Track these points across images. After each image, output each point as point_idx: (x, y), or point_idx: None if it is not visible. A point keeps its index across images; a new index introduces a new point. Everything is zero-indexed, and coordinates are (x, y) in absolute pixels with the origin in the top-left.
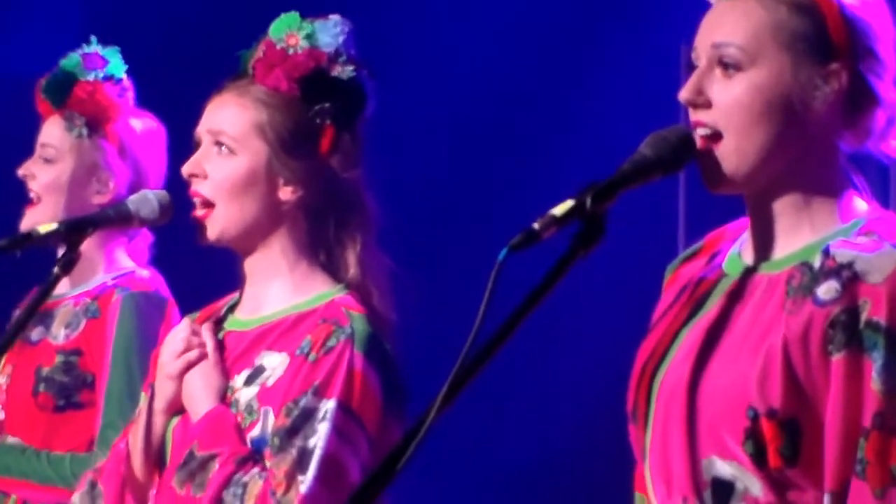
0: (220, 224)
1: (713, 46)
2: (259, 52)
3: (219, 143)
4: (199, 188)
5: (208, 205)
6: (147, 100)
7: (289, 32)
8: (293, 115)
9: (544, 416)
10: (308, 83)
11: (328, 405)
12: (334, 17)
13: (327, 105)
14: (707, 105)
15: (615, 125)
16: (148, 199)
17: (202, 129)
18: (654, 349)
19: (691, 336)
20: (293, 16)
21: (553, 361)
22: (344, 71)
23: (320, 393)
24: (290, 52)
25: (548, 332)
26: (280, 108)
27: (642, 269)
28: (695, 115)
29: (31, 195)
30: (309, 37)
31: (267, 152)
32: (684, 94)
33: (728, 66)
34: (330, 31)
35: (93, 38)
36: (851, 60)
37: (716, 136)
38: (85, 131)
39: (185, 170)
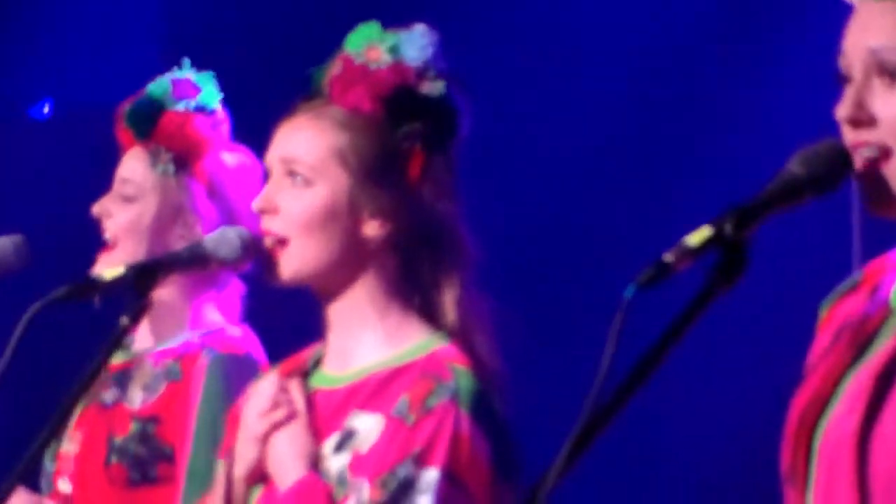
0: (295, 262)
1: (871, 52)
2: (335, 68)
3: (292, 173)
4: (271, 225)
5: (282, 242)
6: (241, 133)
7: (369, 45)
8: (377, 138)
9: (687, 470)
10: (393, 102)
11: (430, 475)
12: (420, 27)
13: (416, 126)
14: (872, 122)
15: (766, 138)
16: (228, 238)
17: (273, 158)
18: (812, 398)
19: (858, 381)
20: (373, 26)
21: (691, 409)
22: (433, 87)
23: (421, 461)
24: (372, 67)
25: (688, 382)
26: (362, 130)
27: (805, 306)
28: (856, 135)
29: (107, 237)
30: (392, 50)
31: (348, 181)
32: (844, 112)
33: (891, 75)
34: (416, 43)
35: (185, 62)
36: None
37: (884, 155)
38: (171, 168)
39: (255, 205)
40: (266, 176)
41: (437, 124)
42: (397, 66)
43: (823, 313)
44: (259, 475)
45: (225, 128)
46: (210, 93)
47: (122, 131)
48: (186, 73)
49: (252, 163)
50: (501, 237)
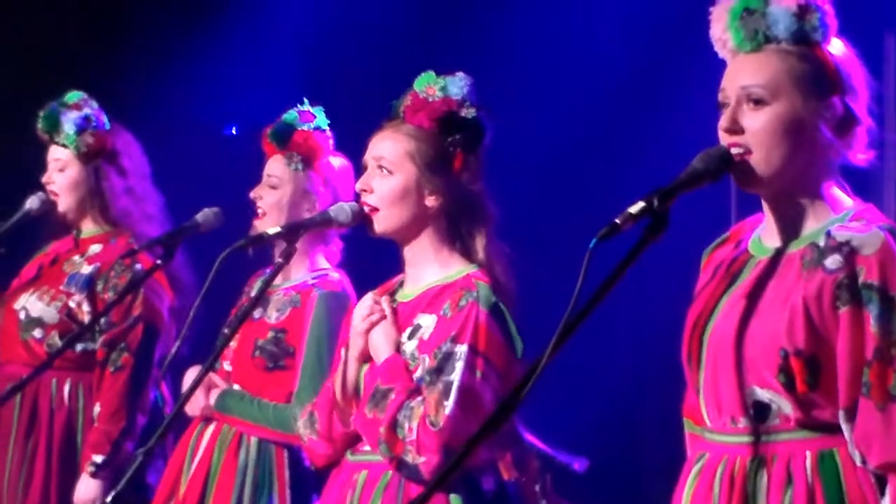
0: (383, 223)
1: (741, 88)
2: (407, 100)
3: (381, 167)
4: (367, 199)
5: (374, 209)
6: (350, 141)
7: (428, 86)
8: (433, 144)
9: (624, 357)
10: (443, 121)
11: (462, 349)
12: (460, 74)
13: (458, 137)
14: (741, 131)
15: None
16: (343, 209)
17: (368, 157)
18: (701, 311)
19: (731, 300)
20: (431, 74)
21: (629, 321)
22: (469, 112)
23: (455, 340)
24: (430, 99)
25: (626, 301)
26: (424, 140)
27: (699, 255)
28: (731, 139)
29: (259, 211)
30: (443, 88)
31: (416, 172)
32: (724, 124)
33: (755, 101)
34: (458, 84)
35: (305, 100)
36: (841, 94)
37: (747, 153)
38: (300, 166)
39: (358, 186)
40: (362, 169)
41: (471, 135)
42: (446, 99)
43: (705, 258)
44: (365, 356)
45: (331, 141)
46: (322, 119)
47: (267, 144)
48: (307, 106)
49: (347, 163)
50: (513, 205)
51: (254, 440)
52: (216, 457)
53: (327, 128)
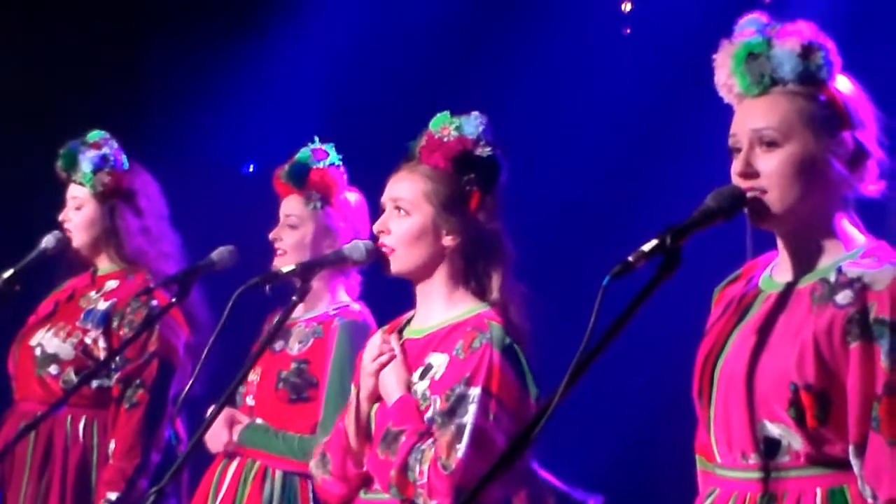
0: (399, 263)
1: (753, 131)
2: (422, 140)
3: (398, 208)
4: (385, 240)
5: (392, 250)
6: (367, 179)
7: (443, 126)
8: (450, 184)
9: (637, 394)
10: (459, 161)
11: (475, 391)
12: (475, 113)
13: (473, 176)
14: (756, 175)
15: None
16: (358, 247)
17: (386, 198)
18: (711, 346)
19: (742, 335)
20: (446, 114)
21: (644, 358)
22: (484, 151)
23: (469, 382)
24: (445, 139)
25: (641, 338)
26: (440, 180)
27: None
28: (746, 183)
29: (279, 251)
30: (458, 128)
31: (432, 212)
32: (738, 168)
33: (768, 144)
34: (472, 124)
35: (316, 138)
36: (851, 129)
37: (762, 192)
38: (319, 204)
39: (376, 228)
40: (379, 211)
41: (487, 174)
42: (461, 139)
43: (716, 295)
44: (375, 396)
45: (345, 176)
46: (333, 155)
47: (280, 184)
48: (318, 144)
49: (361, 197)
50: (529, 245)
51: (278, 473)
52: (241, 491)
53: (340, 163)
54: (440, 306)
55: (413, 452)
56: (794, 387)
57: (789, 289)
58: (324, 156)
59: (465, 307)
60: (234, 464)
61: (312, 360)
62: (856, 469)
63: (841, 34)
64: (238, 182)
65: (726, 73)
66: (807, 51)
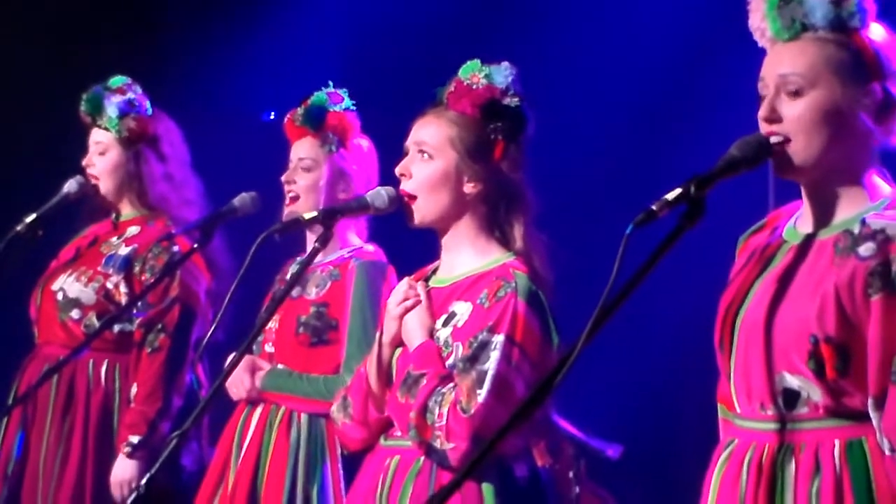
0: (422, 212)
1: (780, 76)
2: (451, 87)
3: (422, 151)
4: (406, 185)
5: (413, 197)
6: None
7: (473, 73)
8: (475, 131)
9: (659, 345)
10: (486, 109)
11: (498, 338)
12: (505, 63)
13: (499, 125)
14: (779, 120)
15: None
16: (380, 194)
17: (410, 142)
18: (734, 297)
19: (763, 286)
20: (476, 62)
21: (665, 308)
22: (512, 101)
23: (493, 330)
24: (474, 87)
25: (664, 288)
26: (466, 126)
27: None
28: (769, 128)
29: (291, 195)
30: (487, 76)
31: (456, 158)
32: (763, 113)
33: (794, 90)
34: (502, 73)
35: (330, 83)
36: (881, 80)
37: (786, 140)
38: (335, 147)
39: (398, 170)
40: (403, 155)
41: (513, 124)
42: (489, 87)
43: (741, 244)
44: (398, 341)
45: (358, 122)
46: (347, 100)
47: (293, 128)
48: (331, 88)
49: (372, 145)
50: (552, 194)
51: (304, 417)
52: (267, 437)
53: (353, 108)
54: (466, 256)
55: (433, 395)
56: (815, 339)
57: (812, 239)
58: (339, 99)
59: (492, 257)
60: (259, 410)
61: (331, 302)
62: (875, 422)
63: None
64: (259, 129)
65: (759, 17)
66: None
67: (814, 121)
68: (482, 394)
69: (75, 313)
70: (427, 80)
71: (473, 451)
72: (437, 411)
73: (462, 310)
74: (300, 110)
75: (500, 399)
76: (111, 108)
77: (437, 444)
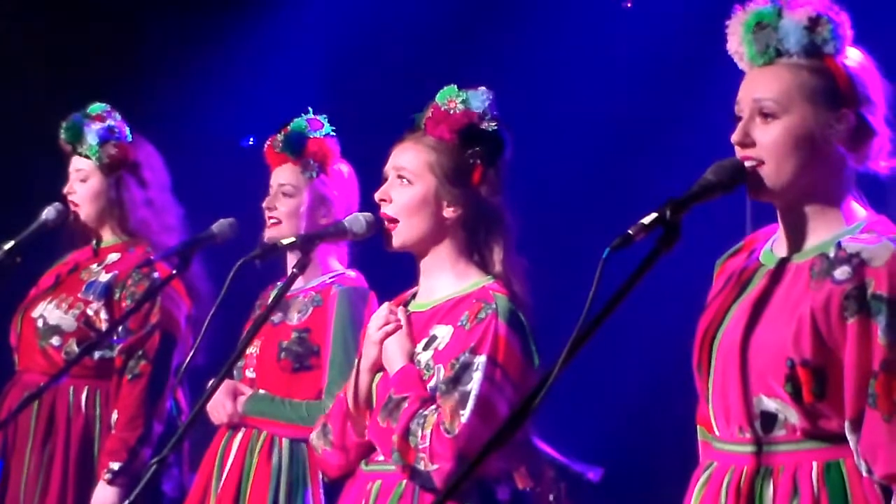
0: (401, 236)
1: (754, 101)
2: (429, 112)
3: (401, 177)
4: (386, 210)
5: (393, 221)
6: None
7: (450, 98)
8: (454, 156)
9: (638, 367)
10: (464, 133)
11: (480, 359)
12: (482, 88)
13: (477, 149)
14: (752, 144)
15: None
16: (358, 220)
17: (389, 167)
18: (711, 320)
19: (741, 309)
20: (453, 87)
21: (644, 330)
22: (489, 125)
23: (474, 351)
24: (451, 112)
25: (641, 310)
26: (444, 151)
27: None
28: (743, 152)
29: (272, 220)
30: (464, 101)
31: (435, 183)
32: (736, 137)
33: (767, 115)
34: (479, 98)
35: (309, 109)
36: (855, 106)
37: (759, 164)
38: (315, 173)
39: (378, 195)
40: (381, 180)
41: (491, 148)
42: (467, 112)
43: (718, 267)
44: (378, 366)
45: (338, 147)
46: (327, 126)
47: (272, 154)
48: (311, 115)
49: (352, 171)
50: (531, 218)
51: (286, 442)
52: (248, 462)
53: (334, 134)
54: (445, 280)
55: (415, 418)
56: (791, 362)
57: (788, 263)
58: (319, 125)
59: (471, 280)
60: (240, 435)
61: (313, 328)
62: (852, 444)
63: (859, 8)
64: (238, 155)
65: (737, 41)
66: (814, 23)
67: (786, 146)
68: (465, 414)
69: (55, 340)
70: (405, 105)
71: (458, 471)
72: (419, 433)
73: (443, 333)
74: (280, 137)
75: (484, 419)
76: (91, 135)
77: (421, 465)
